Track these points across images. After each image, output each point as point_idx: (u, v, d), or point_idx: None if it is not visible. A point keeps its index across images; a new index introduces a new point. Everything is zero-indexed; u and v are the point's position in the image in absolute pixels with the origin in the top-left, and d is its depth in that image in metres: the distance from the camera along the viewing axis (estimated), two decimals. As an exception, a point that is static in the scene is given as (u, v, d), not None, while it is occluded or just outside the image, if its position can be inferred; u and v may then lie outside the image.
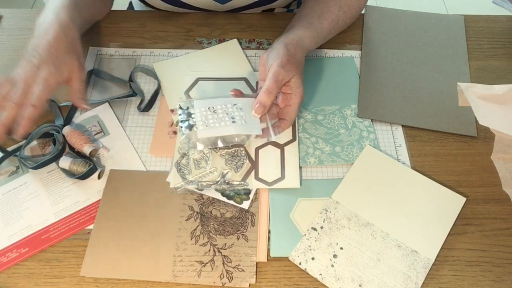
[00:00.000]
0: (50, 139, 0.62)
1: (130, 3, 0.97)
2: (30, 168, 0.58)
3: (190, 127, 0.58)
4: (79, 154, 0.60)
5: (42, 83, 0.54)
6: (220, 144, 0.58)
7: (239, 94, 0.61)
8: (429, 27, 0.77)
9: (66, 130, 0.61)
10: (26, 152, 0.61)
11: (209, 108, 0.59)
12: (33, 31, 0.59)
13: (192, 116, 0.58)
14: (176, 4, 0.77)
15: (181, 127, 0.58)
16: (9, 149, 0.61)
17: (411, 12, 0.80)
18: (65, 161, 0.59)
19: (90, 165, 0.58)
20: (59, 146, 0.59)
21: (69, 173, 0.59)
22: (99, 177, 0.59)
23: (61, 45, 0.57)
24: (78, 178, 0.58)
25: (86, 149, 0.59)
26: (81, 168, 0.58)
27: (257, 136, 0.59)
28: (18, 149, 0.61)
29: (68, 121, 0.64)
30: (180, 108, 0.59)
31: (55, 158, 0.59)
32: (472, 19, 0.79)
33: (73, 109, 0.65)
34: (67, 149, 0.61)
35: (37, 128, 0.61)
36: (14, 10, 0.80)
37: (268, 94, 0.56)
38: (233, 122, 0.57)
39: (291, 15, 0.80)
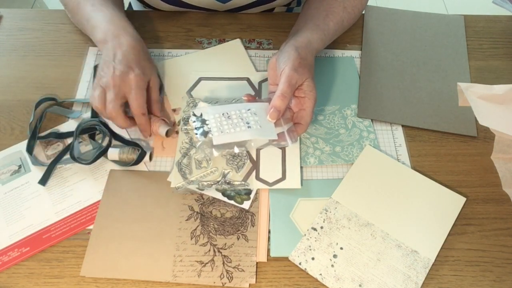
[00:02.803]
0: (52, 139, 0.62)
1: (130, 4, 0.97)
2: (85, 164, 0.59)
3: (205, 133, 0.57)
4: (120, 141, 0.62)
5: (137, 88, 0.57)
6: (236, 150, 0.58)
7: (252, 99, 0.61)
8: (429, 27, 0.78)
9: None
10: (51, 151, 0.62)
11: (223, 114, 0.58)
12: (100, 47, 0.62)
13: (207, 122, 0.58)
14: (177, 4, 0.77)
15: (196, 134, 0.57)
16: (49, 152, 0.61)
17: (411, 12, 0.80)
18: (114, 152, 0.60)
19: (139, 150, 0.60)
20: (105, 138, 0.61)
21: (120, 163, 0.60)
22: (150, 158, 0.60)
23: (140, 52, 0.60)
24: (132, 165, 0.59)
25: (162, 130, 0.60)
26: (131, 156, 0.59)
27: (273, 141, 0.58)
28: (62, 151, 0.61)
29: (95, 114, 0.64)
30: (194, 115, 0.59)
31: (106, 150, 0.60)
32: (472, 19, 0.79)
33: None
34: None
35: (78, 124, 0.61)
36: (14, 10, 0.80)
37: (282, 99, 0.55)
38: (248, 127, 0.57)
39: (292, 15, 0.80)
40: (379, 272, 0.52)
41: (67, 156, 0.61)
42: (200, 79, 0.69)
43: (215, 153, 0.57)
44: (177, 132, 0.63)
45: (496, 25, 0.79)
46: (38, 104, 0.65)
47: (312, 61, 0.61)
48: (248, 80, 0.68)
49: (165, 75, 0.70)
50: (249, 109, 0.59)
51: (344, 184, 0.58)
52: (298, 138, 0.62)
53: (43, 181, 0.58)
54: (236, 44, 0.74)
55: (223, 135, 0.56)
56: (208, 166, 0.59)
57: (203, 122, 0.58)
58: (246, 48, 0.74)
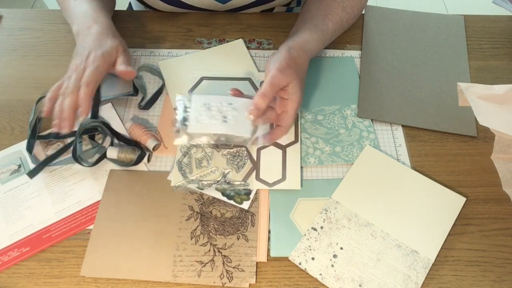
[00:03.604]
0: (52, 139, 0.62)
1: (130, 4, 0.97)
2: (88, 166, 0.59)
3: (185, 120, 0.58)
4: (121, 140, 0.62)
5: (92, 64, 0.58)
6: (204, 141, 0.59)
7: (238, 94, 0.61)
8: (429, 27, 0.78)
9: (129, 124, 0.63)
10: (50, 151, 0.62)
11: (204, 104, 0.59)
12: (76, 40, 0.63)
13: (187, 110, 0.59)
14: (177, 4, 0.77)
15: (176, 118, 0.58)
16: (50, 152, 0.61)
17: (411, 12, 0.80)
18: (113, 151, 0.59)
19: (139, 151, 0.59)
20: (105, 138, 0.62)
21: (119, 163, 0.60)
22: (148, 160, 0.61)
23: (105, 37, 0.61)
24: (131, 165, 0.59)
25: (150, 143, 0.60)
26: (130, 156, 0.59)
27: (249, 140, 0.58)
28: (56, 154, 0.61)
29: (94, 115, 0.64)
30: (181, 100, 0.60)
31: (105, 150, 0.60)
32: (472, 19, 0.79)
33: (95, 105, 0.65)
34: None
35: (79, 125, 0.61)
36: (14, 10, 0.80)
37: (262, 97, 0.55)
38: (224, 121, 0.57)
39: (291, 15, 0.80)
40: (379, 272, 0.52)
41: (67, 156, 0.61)
42: (202, 79, 0.69)
43: (184, 140, 0.58)
44: (178, 131, 0.63)
45: (496, 25, 0.79)
46: (39, 100, 0.65)
47: (304, 62, 0.60)
48: (250, 80, 0.68)
49: (166, 75, 0.70)
50: (231, 103, 0.59)
51: (344, 184, 0.58)
52: (299, 138, 0.62)
53: (32, 174, 0.59)
54: (238, 44, 0.74)
55: (198, 124, 0.57)
56: (208, 166, 0.59)
57: (185, 108, 0.59)
58: (246, 48, 0.74)
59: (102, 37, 0.60)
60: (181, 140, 0.59)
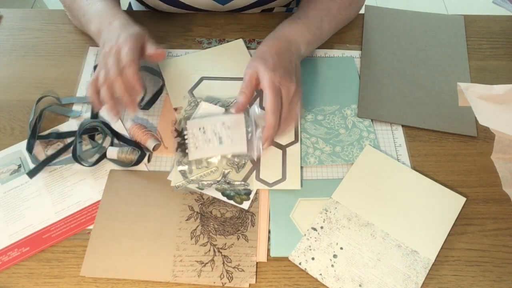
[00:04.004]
0: (52, 139, 0.62)
1: (130, 4, 0.97)
2: (88, 166, 0.59)
3: (184, 148, 0.60)
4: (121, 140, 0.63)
5: (125, 45, 0.56)
6: (204, 164, 0.59)
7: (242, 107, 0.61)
8: (429, 27, 0.78)
9: (129, 124, 0.62)
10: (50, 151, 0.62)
11: (200, 128, 0.60)
12: (99, 39, 0.63)
13: (185, 137, 0.60)
14: (176, 5, 0.77)
15: (176, 148, 0.60)
16: (49, 152, 0.61)
17: (411, 12, 0.80)
18: (112, 151, 0.59)
19: (139, 151, 0.59)
20: (105, 138, 0.62)
21: (119, 163, 0.60)
22: (148, 160, 0.61)
23: (128, 26, 0.61)
24: (131, 166, 0.59)
25: (150, 143, 0.60)
26: (130, 156, 0.59)
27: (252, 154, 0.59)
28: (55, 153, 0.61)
29: (94, 116, 0.64)
30: (179, 129, 0.62)
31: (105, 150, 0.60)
32: (472, 19, 0.79)
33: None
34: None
35: (79, 125, 0.61)
36: (14, 10, 0.80)
37: (241, 94, 0.58)
38: (220, 143, 0.59)
39: (291, 15, 0.80)
40: (379, 272, 0.52)
41: (67, 156, 0.61)
42: (202, 79, 0.69)
43: (190, 167, 0.59)
44: (177, 131, 0.63)
45: (496, 25, 0.79)
46: (39, 100, 0.65)
47: (273, 47, 0.62)
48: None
49: (166, 75, 0.70)
50: (224, 123, 0.60)
51: (344, 184, 0.58)
52: (300, 137, 0.62)
53: (31, 174, 0.59)
54: (238, 44, 0.74)
55: (198, 151, 0.59)
56: (208, 166, 0.59)
57: (183, 137, 0.60)
58: (246, 48, 0.74)
59: (126, 27, 0.60)
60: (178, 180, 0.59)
